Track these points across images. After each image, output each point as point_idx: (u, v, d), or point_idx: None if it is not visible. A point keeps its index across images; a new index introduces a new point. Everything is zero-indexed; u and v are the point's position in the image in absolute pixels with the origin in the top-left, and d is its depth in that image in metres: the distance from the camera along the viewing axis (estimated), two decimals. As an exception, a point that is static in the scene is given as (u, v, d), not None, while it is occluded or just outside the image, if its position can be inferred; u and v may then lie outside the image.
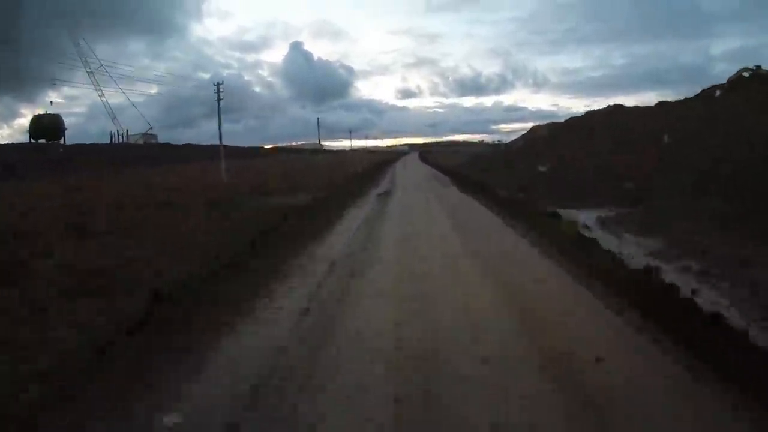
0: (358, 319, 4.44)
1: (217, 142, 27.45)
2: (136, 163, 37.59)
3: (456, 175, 26.05)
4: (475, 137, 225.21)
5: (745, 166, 11.80)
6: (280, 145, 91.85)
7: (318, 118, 61.88)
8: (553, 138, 28.97)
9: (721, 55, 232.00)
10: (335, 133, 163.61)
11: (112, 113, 65.05)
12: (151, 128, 63.27)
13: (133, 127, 68.21)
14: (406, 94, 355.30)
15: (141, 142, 66.56)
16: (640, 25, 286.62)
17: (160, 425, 2.71)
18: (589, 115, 29.75)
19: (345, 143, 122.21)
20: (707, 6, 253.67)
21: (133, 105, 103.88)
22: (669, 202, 11.51)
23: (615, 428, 2.68)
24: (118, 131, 67.02)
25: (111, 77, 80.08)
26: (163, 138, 70.20)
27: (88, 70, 60.74)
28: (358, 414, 2.83)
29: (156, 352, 3.73)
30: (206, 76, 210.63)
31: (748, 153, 12.62)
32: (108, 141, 65.48)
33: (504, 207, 12.23)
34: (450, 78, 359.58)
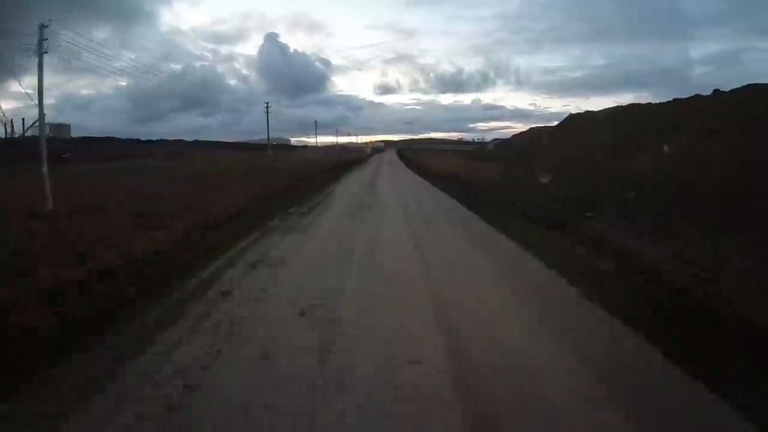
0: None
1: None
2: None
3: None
4: (453, 135, 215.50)
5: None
6: (243, 140, 77.75)
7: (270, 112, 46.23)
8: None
9: (701, 58, 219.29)
10: (309, 129, 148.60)
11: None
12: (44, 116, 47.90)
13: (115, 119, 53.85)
14: (384, 90, 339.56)
15: (48, 135, 52.02)
16: (620, 26, 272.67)
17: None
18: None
19: (322, 139, 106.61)
20: (688, 9, 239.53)
21: (19, 83, 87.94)
22: None
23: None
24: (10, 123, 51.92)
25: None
26: (129, 133, 56.38)
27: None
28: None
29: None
30: (177, 66, 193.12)
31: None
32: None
33: None
34: (431, 74, 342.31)
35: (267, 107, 39.39)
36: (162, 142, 54.69)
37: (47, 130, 52.27)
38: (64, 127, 56.94)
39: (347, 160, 42.67)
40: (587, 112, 19.76)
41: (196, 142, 61.39)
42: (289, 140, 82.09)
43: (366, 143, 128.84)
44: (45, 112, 12.13)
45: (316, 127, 61.33)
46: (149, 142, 54.94)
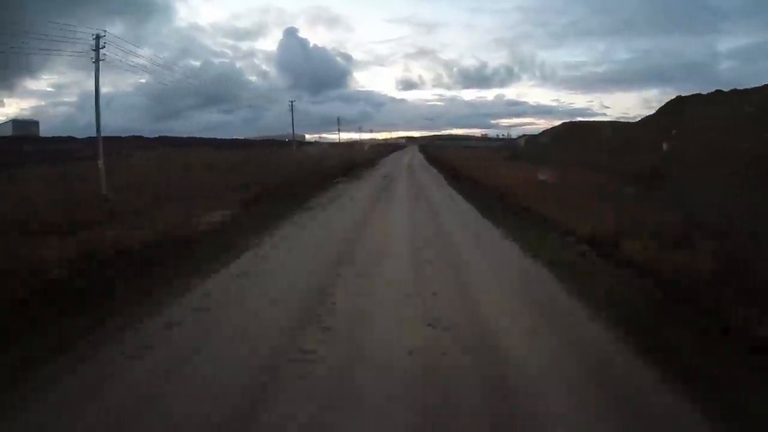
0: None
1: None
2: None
3: None
4: (474, 131, 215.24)
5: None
6: (258, 137, 74.03)
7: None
8: None
9: (728, 52, 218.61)
10: (330, 125, 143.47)
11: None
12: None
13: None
14: (406, 85, 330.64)
15: (9, 133, 46.06)
16: (644, 19, 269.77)
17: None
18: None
19: (342, 135, 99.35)
20: (714, 1, 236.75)
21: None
22: None
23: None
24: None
25: None
26: (152, 131, 50.59)
27: None
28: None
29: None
30: (196, 63, 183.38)
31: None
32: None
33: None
34: (454, 69, 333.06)
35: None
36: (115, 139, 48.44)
37: (10, 128, 46.09)
38: (32, 124, 50.99)
39: (333, 165, 27.85)
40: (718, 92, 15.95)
41: (201, 140, 57.15)
42: (304, 136, 76.52)
43: (386, 139, 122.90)
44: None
45: (293, 118, 43.17)
46: (107, 138, 49.31)
